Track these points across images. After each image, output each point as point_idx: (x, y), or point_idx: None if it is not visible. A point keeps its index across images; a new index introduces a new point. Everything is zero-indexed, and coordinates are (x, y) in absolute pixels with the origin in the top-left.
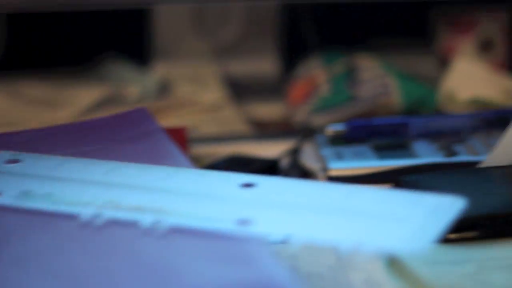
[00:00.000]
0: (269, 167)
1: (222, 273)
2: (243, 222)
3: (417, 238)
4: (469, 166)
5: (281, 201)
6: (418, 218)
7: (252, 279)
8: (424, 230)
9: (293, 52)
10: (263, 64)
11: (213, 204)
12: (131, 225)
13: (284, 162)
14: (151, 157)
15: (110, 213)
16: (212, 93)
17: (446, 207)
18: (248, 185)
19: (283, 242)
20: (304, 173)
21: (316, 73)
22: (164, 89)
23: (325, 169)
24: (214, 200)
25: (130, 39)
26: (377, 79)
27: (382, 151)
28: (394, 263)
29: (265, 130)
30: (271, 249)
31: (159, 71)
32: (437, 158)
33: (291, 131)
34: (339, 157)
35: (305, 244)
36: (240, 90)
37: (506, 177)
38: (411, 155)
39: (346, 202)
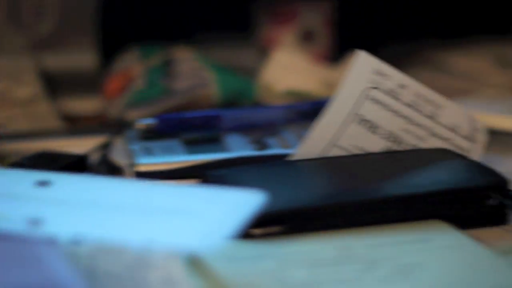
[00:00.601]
0: (77, 163)
1: (6, 275)
2: (34, 221)
3: (213, 234)
4: (280, 159)
5: (76, 199)
6: (216, 214)
7: (37, 281)
8: (221, 226)
9: (111, 45)
10: (80, 58)
11: (4, 203)
12: None
13: (94, 158)
14: None
15: None
16: (27, 88)
17: (247, 202)
18: (43, 183)
19: (73, 242)
20: (113, 169)
21: (132, 67)
22: None
23: (133, 164)
24: (5, 199)
25: None
26: (194, 72)
27: (193, 145)
28: (193, 261)
29: (80, 125)
30: (62, 249)
31: None
32: (248, 151)
33: (106, 126)
34: (148, 152)
35: (97, 244)
36: (57, 84)
37: (313, 170)
38: (222, 149)
39: (144, 200)
